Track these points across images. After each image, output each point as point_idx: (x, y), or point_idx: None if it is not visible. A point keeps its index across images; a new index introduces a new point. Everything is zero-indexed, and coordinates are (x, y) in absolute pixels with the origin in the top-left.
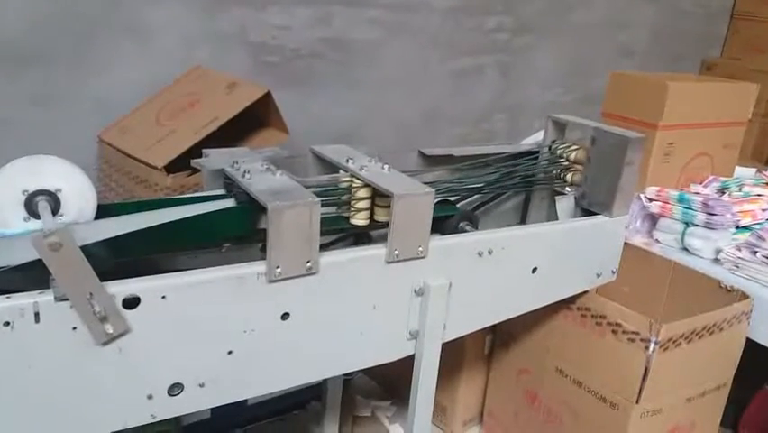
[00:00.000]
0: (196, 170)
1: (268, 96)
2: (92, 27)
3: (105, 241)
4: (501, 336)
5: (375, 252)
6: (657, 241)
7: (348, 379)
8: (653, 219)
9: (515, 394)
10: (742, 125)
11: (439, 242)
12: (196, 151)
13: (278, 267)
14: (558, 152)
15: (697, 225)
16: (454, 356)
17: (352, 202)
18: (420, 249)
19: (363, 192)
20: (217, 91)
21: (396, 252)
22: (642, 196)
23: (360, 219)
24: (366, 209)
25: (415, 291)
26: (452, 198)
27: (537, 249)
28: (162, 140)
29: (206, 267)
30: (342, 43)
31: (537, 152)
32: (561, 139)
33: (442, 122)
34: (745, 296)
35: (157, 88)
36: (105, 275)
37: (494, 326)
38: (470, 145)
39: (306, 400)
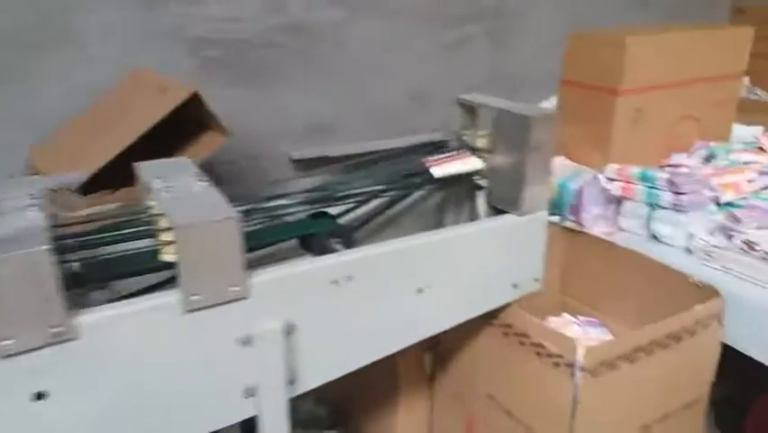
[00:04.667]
0: (119, 187)
1: (196, 96)
2: (22, 40)
3: None
4: (440, 354)
5: (163, 300)
6: (622, 229)
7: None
8: (619, 203)
9: (455, 422)
10: (736, 78)
11: (270, 274)
12: (124, 163)
13: (7, 340)
14: (466, 138)
15: (664, 208)
16: (389, 379)
17: (159, 233)
18: (234, 289)
19: (166, 221)
20: (147, 97)
21: (195, 297)
22: (600, 176)
23: (171, 254)
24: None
25: (240, 341)
26: (352, 204)
27: (423, 264)
28: (79, 157)
29: None
30: (301, 29)
31: (447, 141)
32: (473, 124)
33: (432, 103)
34: (715, 293)
35: (98, 97)
36: None
37: (435, 341)
38: (363, 141)
39: None
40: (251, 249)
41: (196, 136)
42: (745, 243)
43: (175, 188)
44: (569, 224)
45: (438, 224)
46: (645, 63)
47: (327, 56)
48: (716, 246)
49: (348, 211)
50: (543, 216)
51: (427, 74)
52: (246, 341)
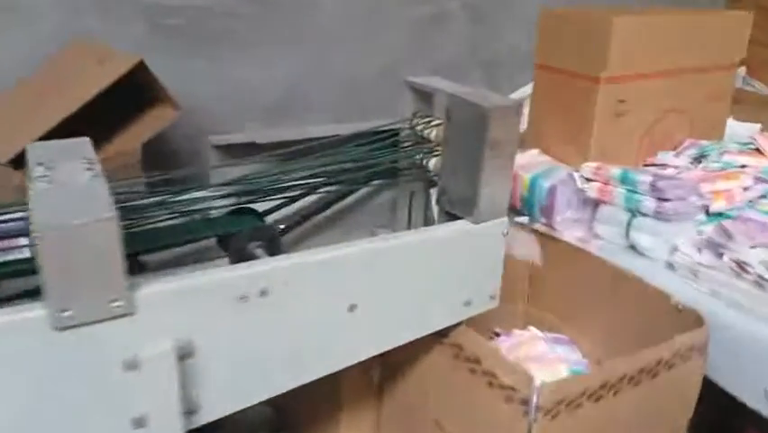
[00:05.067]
0: None
1: (142, 66)
2: None
3: None
4: (389, 364)
5: (27, 315)
6: (598, 236)
7: None
8: (596, 207)
9: None
10: (732, 69)
11: (161, 286)
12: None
13: None
14: (419, 128)
15: (645, 215)
16: (331, 387)
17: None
18: (116, 304)
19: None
20: (87, 67)
21: (66, 313)
22: (575, 175)
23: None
24: None
25: (125, 365)
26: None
27: (356, 278)
28: (13, 130)
29: None
30: None
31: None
32: (426, 110)
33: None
34: (699, 321)
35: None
36: None
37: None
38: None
39: None
40: (155, 249)
41: (150, 109)
42: (736, 262)
43: (54, 178)
44: (539, 226)
45: (388, 227)
46: (632, 48)
47: (293, 25)
48: (702, 264)
49: (278, 208)
50: (501, 223)
51: (400, 50)
52: (132, 365)
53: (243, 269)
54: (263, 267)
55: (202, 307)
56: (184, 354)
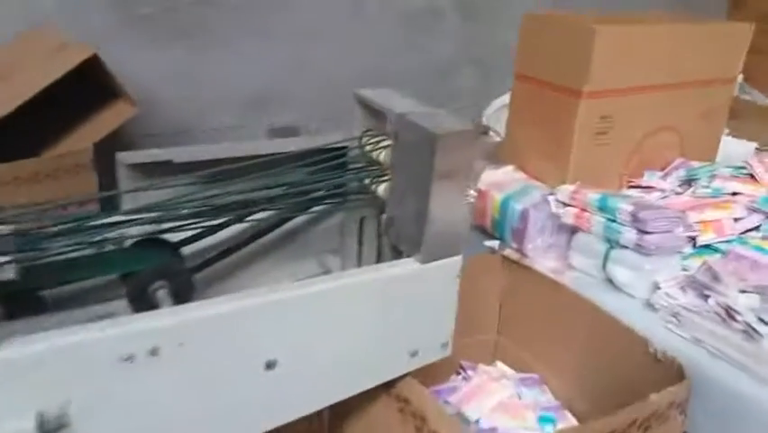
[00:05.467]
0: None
1: (96, 59)
2: None
3: None
4: (336, 410)
5: None
6: (572, 267)
7: None
8: (573, 233)
9: None
10: (728, 84)
11: (20, 349)
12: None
13: None
14: (367, 149)
15: (624, 247)
16: None
17: None
18: None
19: None
20: (40, 58)
21: None
22: (550, 199)
23: None
24: None
25: None
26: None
27: (276, 329)
28: None
29: None
30: None
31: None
32: (379, 128)
33: (389, 81)
34: (680, 375)
35: None
36: None
37: None
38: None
39: None
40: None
41: (106, 106)
42: (723, 308)
43: None
44: (509, 252)
45: (339, 252)
46: (618, 61)
47: (270, 18)
48: (685, 307)
49: (199, 238)
50: (453, 264)
51: (386, 48)
52: None
53: (124, 325)
54: (152, 322)
55: (76, 370)
56: (55, 427)
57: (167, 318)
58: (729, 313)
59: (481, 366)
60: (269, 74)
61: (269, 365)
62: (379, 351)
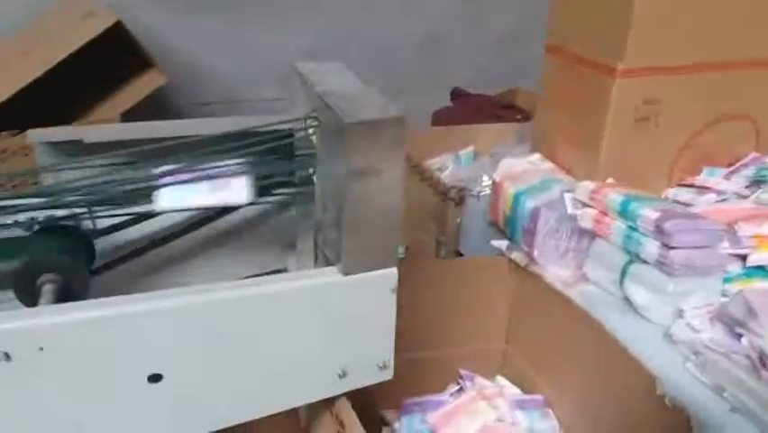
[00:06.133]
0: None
1: (120, 26)
2: None
3: None
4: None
5: None
6: (587, 278)
7: None
8: (592, 239)
9: None
10: None
11: None
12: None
13: None
14: (311, 131)
15: (644, 262)
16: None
17: None
18: None
19: None
20: (66, 27)
21: None
22: (566, 197)
23: None
24: None
25: None
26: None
27: (159, 339)
28: None
29: None
30: None
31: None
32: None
33: (449, 51)
34: (688, 426)
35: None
36: None
37: None
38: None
39: None
40: None
41: (136, 77)
42: (756, 352)
43: None
44: (517, 256)
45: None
46: (667, 30)
47: None
48: (709, 346)
49: (117, 228)
50: (385, 277)
51: (443, 14)
52: None
53: None
54: (4, 325)
55: None
56: None
57: (20, 323)
58: (763, 360)
59: (479, 379)
60: (315, 45)
61: (153, 379)
62: (294, 370)
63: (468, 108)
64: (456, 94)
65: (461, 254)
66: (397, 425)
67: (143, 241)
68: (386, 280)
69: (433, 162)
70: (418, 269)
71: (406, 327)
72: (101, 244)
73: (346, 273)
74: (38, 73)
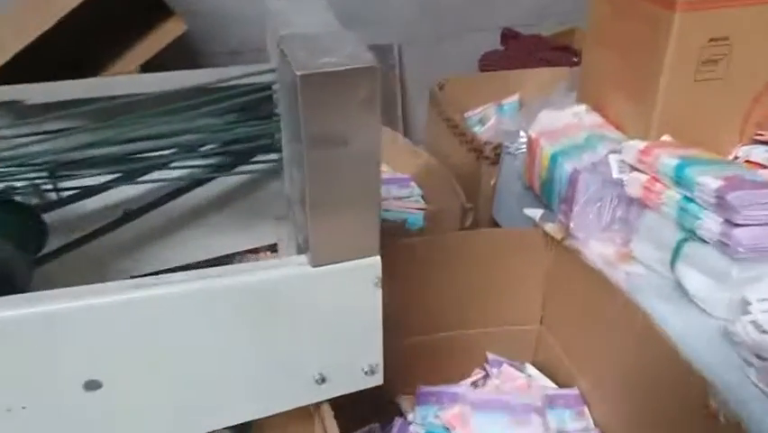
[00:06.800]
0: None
1: None
2: None
3: None
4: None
5: None
6: (633, 257)
7: None
8: (642, 209)
9: None
10: None
11: None
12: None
13: None
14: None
15: (703, 242)
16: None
17: None
18: None
19: None
20: None
21: None
22: (611, 159)
23: None
24: None
25: None
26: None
27: (96, 340)
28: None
29: None
30: None
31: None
32: None
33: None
34: None
35: None
36: None
37: None
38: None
39: None
40: None
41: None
42: None
43: None
44: (552, 228)
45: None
46: None
47: None
48: None
49: (65, 203)
50: (367, 268)
51: None
52: None
53: None
54: None
55: None
56: None
57: None
58: None
59: (506, 367)
60: None
61: (89, 386)
62: (259, 376)
63: (519, 51)
64: (507, 35)
65: (496, 223)
66: (411, 416)
67: (106, 214)
68: (366, 271)
69: (474, 113)
70: (439, 241)
71: (430, 305)
72: (57, 216)
73: (315, 264)
74: (51, 23)
